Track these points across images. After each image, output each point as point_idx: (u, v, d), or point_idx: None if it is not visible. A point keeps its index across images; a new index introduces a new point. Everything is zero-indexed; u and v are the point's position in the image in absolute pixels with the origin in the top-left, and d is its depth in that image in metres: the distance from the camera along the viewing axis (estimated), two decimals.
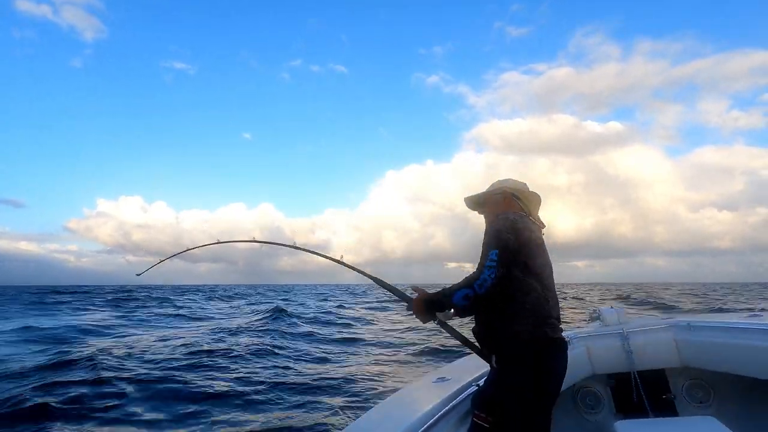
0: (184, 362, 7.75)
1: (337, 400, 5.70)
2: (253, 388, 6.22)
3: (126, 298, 31.71)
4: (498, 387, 1.75)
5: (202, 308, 22.71)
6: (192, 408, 5.43)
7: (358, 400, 5.70)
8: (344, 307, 22.51)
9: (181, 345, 9.54)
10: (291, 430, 4.75)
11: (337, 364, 8.15)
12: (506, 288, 1.70)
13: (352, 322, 15.47)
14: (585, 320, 3.78)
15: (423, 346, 9.51)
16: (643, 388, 2.95)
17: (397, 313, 17.69)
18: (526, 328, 1.70)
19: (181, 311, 19.97)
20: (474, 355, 1.97)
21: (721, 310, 17.86)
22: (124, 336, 11.72)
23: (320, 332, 12.53)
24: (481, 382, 1.97)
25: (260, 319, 14.76)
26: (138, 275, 2.88)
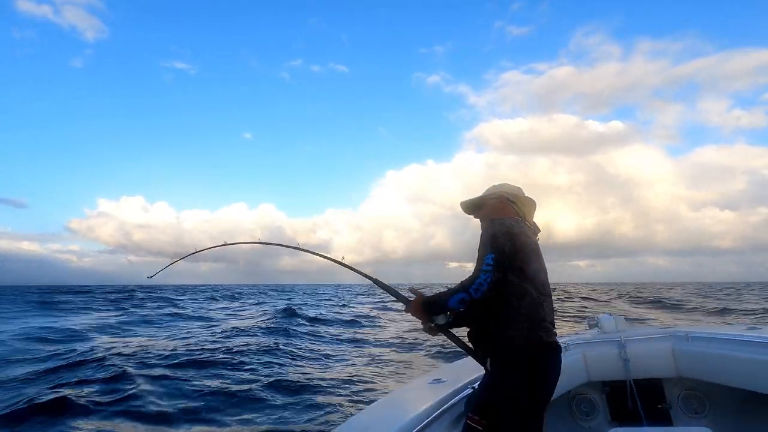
0: (191, 361, 7.81)
1: (342, 400, 5.73)
2: (259, 387, 6.27)
3: (128, 298, 31.81)
4: (493, 391, 1.76)
5: (206, 308, 22.73)
6: (198, 405, 5.51)
7: (362, 400, 5.74)
8: (348, 307, 22.54)
9: (188, 344, 9.59)
10: (293, 429, 4.79)
11: (343, 364, 8.19)
12: (501, 292, 1.72)
13: (357, 322, 15.51)
14: (585, 327, 3.80)
15: (426, 347, 9.53)
16: (639, 397, 2.95)
17: (400, 314, 17.70)
18: (521, 333, 1.72)
19: (184, 311, 20.02)
20: (470, 358, 1.99)
21: (726, 311, 17.83)
22: (131, 336, 11.79)
23: (326, 332, 12.57)
24: (477, 385, 1.98)
25: (267, 319, 14.80)
26: (150, 277, 2.89)
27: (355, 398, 5.86)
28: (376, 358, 8.80)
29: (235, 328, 12.53)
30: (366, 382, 6.75)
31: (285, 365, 7.89)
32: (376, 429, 1.74)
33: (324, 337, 11.78)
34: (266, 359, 8.21)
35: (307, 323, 14.54)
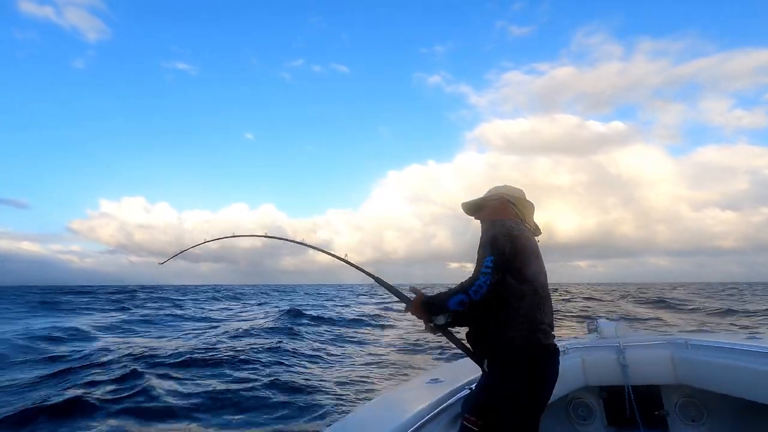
0: (196, 360, 7.86)
1: (344, 400, 5.75)
2: (261, 386, 6.30)
3: (130, 298, 31.87)
4: (492, 392, 1.76)
5: (208, 309, 22.78)
6: (204, 404, 5.56)
7: (365, 400, 5.76)
8: (350, 307, 22.55)
9: (191, 345, 9.64)
10: (294, 429, 4.81)
11: (346, 364, 8.21)
12: (500, 293, 1.72)
13: (359, 322, 15.52)
14: (584, 332, 3.79)
15: (429, 348, 9.56)
16: (636, 403, 2.94)
17: (402, 314, 17.71)
18: (520, 334, 1.73)
19: (186, 312, 20.08)
20: (469, 359, 1.99)
21: (730, 311, 17.77)
22: (135, 336, 11.85)
23: (329, 332, 12.59)
24: (474, 386, 1.99)
25: (270, 319, 14.84)
26: (161, 264, 3.03)
27: (357, 398, 5.89)
28: (378, 358, 8.82)
29: (238, 328, 12.57)
30: (368, 382, 6.77)
31: (287, 365, 7.91)
32: (372, 427, 1.73)
33: (326, 337, 11.79)
34: (269, 359, 8.23)
35: (310, 323, 14.55)
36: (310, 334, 12.07)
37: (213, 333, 11.95)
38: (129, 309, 21.27)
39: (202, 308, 23.00)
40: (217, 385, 6.41)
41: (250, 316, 17.57)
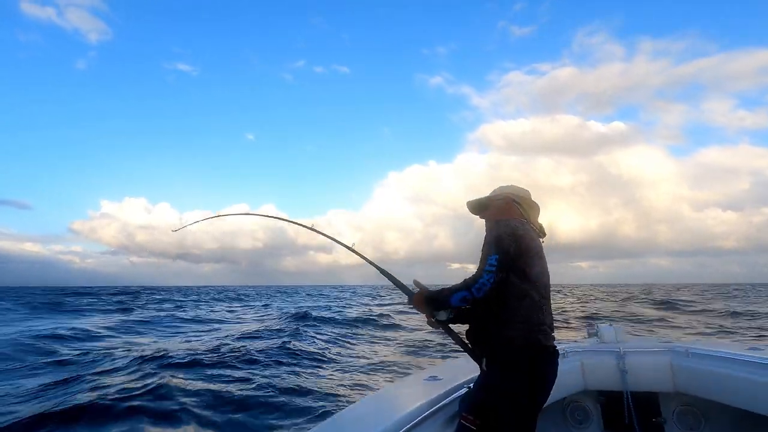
0: (201, 362, 7.87)
1: (346, 400, 5.76)
2: (263, 385, 6.32)
3: (133, 299, 31.97)
4: (492, 392, 1.76)
5: (212, 310, 22.85)
6: (209, 404, 5.59)
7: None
8: (353, 308, 22.55)
9: (195, 346, 9.67)
10: (299, 429, 4.84)
11: (348, 364, 8.21)
12: (502, 292, 1.74)
13: (362, 322, 15.50)
14: (584, 335, 3.78)
15: (433, 348, 9.56)
16: (634, 409, 2.94)
17: (405, 314, 17.69)
18: (520, 334, 1.73)
19: (189, 313, 20.12)
20: (468, 357, 1.99)
21: (735, 314, 17.69)
22: (140, 336, 11.90)
23: (332, 332, 12.59)
24: (472, 385, 1.98)
25: (274, 320, 14.86)
26: (174, 231, 3.35)
27: (359, 398, 5.87)
28: (383, 358, 8.83)
29: (242, 329, 12.60)
30: (372, 382, 6.79)
31: (293, 365, 7.93)
32: (368, 422, 1.72)
33: (330, 337, 11.79)
34: (274, 359, 8.26)
35: (314, 324, 14.56)
36: (314, 334, 12.07)
37: (217, 334, 11.98)
38: (132, 310, 21.34)
39: (206, 309, 23.05)
40: (223, 385, 6.43)
41: (254, 317, 17.61)
